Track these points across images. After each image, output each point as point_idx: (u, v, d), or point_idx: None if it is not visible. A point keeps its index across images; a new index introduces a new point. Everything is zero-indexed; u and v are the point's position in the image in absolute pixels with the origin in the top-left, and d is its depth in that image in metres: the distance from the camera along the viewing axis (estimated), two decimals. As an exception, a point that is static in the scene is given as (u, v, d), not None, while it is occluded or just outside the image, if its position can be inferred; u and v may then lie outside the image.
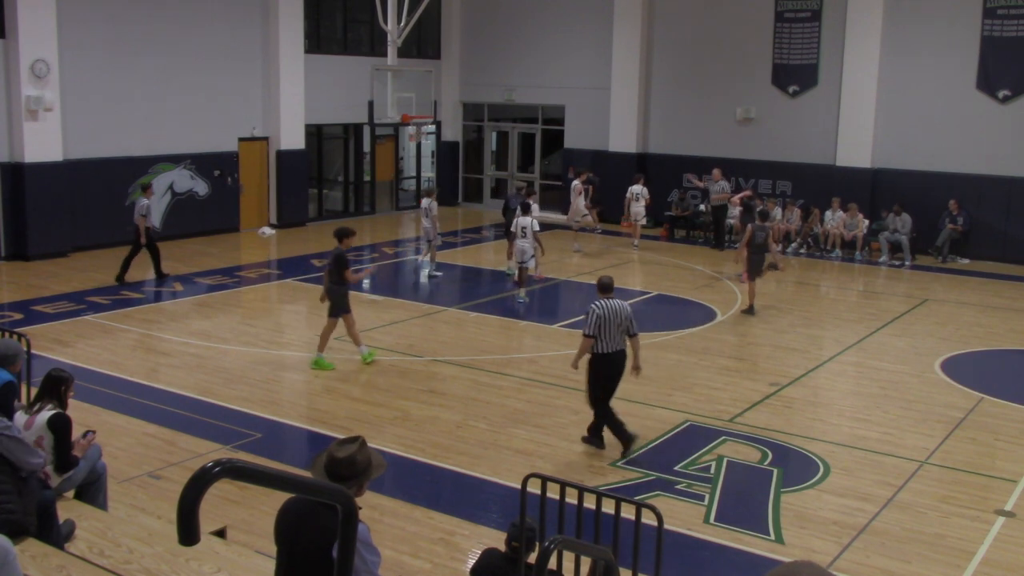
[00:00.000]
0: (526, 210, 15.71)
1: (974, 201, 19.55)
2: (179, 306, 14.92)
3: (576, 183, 19.78)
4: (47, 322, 13.41)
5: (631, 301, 15.72)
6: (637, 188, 20.52)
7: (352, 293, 15.90)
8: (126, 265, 16.00)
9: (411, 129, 25.43)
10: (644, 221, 20.82)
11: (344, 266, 11.29)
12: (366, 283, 16.74)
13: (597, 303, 9.02)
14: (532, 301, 15.99)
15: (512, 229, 15.82)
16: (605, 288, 9.18)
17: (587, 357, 9.14)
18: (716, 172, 20.91)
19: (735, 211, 20.89)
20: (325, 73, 22.54)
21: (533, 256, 15.38)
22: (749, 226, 14.89)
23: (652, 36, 23.25)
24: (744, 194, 19.51)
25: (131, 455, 8.76)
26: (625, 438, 9.10)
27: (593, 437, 9.30)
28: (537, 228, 15.37)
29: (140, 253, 16.06)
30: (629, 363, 9.19)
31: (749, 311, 14.57)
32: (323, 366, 11.54)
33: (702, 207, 21.99)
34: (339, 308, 11.43)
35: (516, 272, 15.66)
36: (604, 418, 9.20)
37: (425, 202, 17.47)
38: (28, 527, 5.50)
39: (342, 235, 11.46)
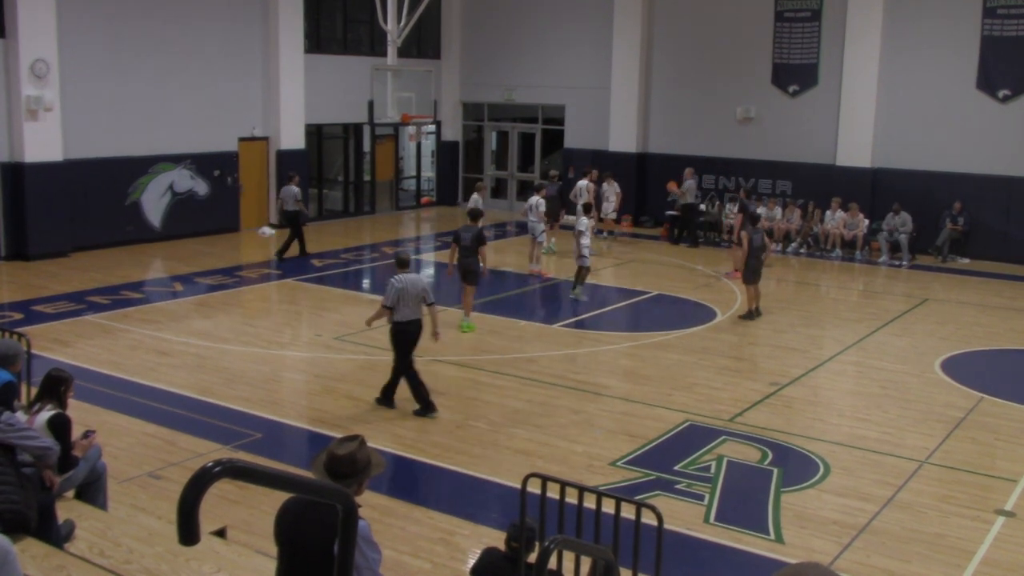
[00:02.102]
0: (587, 211, 15.94)
1: (974, 201, 19.55)
2: (179, 306, 14.92)
3: (586, 182, 19.74)
4: (47, 322, 13.40)
5: (631, 301, 15.77)
6: (606, 186, 20.78)
7: (352, 293, 15.93)
8: (295, 247, 18.32)
9: (411, 129, 25.44)
10: (614, 216, 21.22)
11: (483, 242, 13.34)
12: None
13: (396, 277, 9.93)
14: (531, 301, 16.00)
15: (576, 228, 15.78)
16: (403, 263, 10.18)
17: (389, 328, 10.07)
18: (688, 171, 21.19)
19: (733, 209, 20.97)
20: (325, 73, 22.53)
21: (583, 256, 15.19)
22: (744, 232, 14.74)
23: (652, 36, 23.25)
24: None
25: (131, 455, 8.76)
26: (424, 404, 10.05)
27: (384, 398, 10.21)
28: (583, 228, 15.24)
29: (290, 233, 18.42)
30: (429, 330, 10.19)
31: (748, 316, 14.33)
32: (470, 328, 13.32)
33: (703, 206, 22.02)
34: (474, 277, 13.37)
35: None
36: (408, 378, 10.07)
37: (473, 198, 17.75)
38: (30, 520, 5.51)
39: (478, 216, 13.88)
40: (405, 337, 9.98)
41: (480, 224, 13.73)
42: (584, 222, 15.38)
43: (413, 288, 9.87)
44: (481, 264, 13.43)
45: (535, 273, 17.38)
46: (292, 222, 18.55)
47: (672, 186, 21.35)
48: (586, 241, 15.17)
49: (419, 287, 9.93)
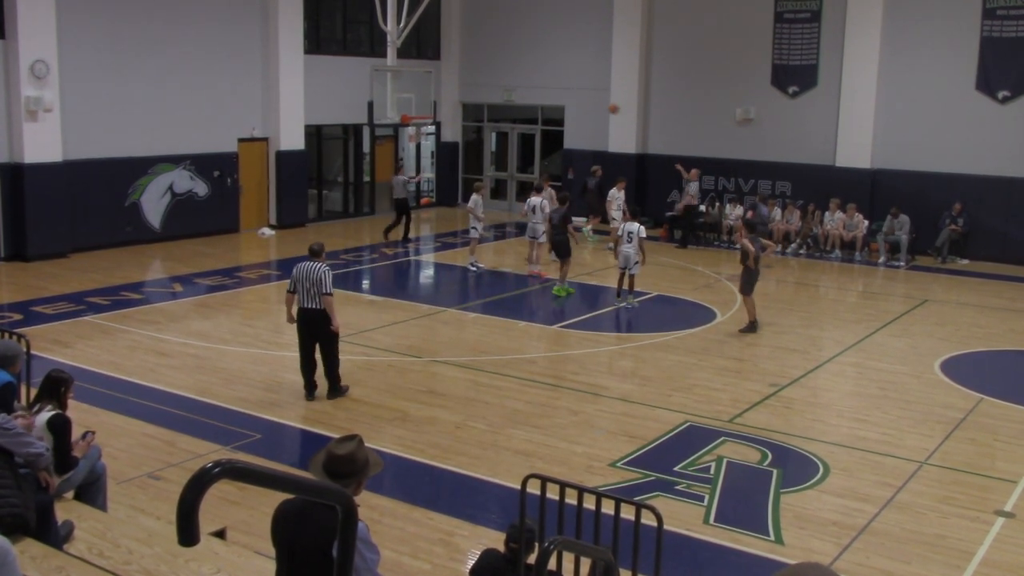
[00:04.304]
0: (634, 215, 15.78)
1: (973, 202, 19.54)
2: (178, 307, 14.92)
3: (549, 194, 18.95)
4: (47, 323, 13.40)
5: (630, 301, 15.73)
6: (616, 191, 19.95)
7: (352, 294, 15.95)
8: (407, 229, 20.85)
9: (411, 130, 25.43)
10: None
11: (569, 221, 15.90)
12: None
13: (299, 264, 10.39)
14: (531, 302, 15.98)
15: (619, 233, 15.48)
16: (311, 252, 10.50)
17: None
18: (694, 172, 21.04)
19: (735, 212, 20.95)
20: (325, 74, 22.53)
21: (638, 263, 15.02)
22: (745, 240, 13.94)
23: (652, 36, 23.25)
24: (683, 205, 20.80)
25: (131, 456, 8.76)
26: (310, 390, 10.51)
27: (335, 392, 10.51)
28: (644, 235, 15.12)
29: (396, 217, 20.98)
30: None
31: (750, 328, 13.73)
32: (567, 291, 15.73)
33: (702, 207, 22.00)
34: (565, 251, 15.63)
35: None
36: (303, 368, 10.53)
37: (473, 199, 17.80)
38: (30, 522, 5.51)
39: (566, 199, 16.66)
40: (302, 320, 10.32)
41: (566, 206, 16.13)
42: (641, 228, 15.09)
43: (307, 277, 10.15)
44: (571, 238, 15.73)
45: (534, 274, 17.36)
46: (400, 208, 20.66)
47: (679, 167, 21.01)
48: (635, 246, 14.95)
49: (314, 276, 10.14)
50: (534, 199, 17.58)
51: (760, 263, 13.93)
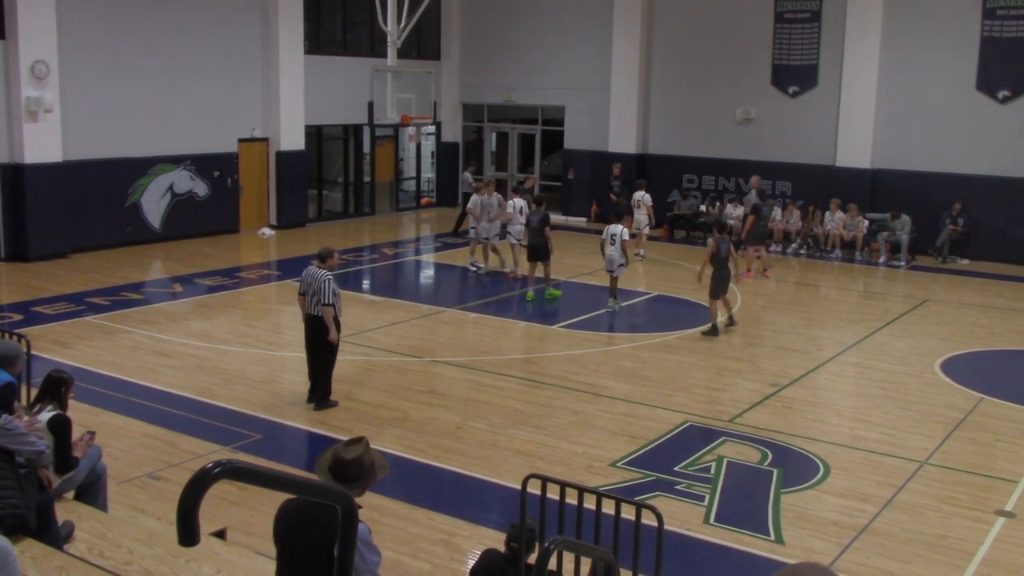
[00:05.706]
0: (619, 217, 15.39)
1: (974, 202, 19.54)
2: (179, 307, 14.92)
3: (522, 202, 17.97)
4: (47, 323, 13.40)
5: (630, 302, 15.74)
6: (639, 194, 19.77)
7: (353, 295, 15.94)
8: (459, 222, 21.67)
9: (411, 130, 25.37)
10: (647, 230, 19.67)
11: (548, 223, 15.66)
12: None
13: (307, 268, 10.12)
14: (531, 302, 15.97)
15: (603, 236, 15.10)
16: (319, 257, 10.14)
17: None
18: (754, 179, 20.25)
19: (737, 211, 20.88)
20: (325, 74, 22.53)
21: (622, 265, 14.78)
22: (711, 239, 13.82)
23: (652, 37, 23.25)
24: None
25: (131, 456, 8.75)
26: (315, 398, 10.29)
27: (322, 403, 10.24)
28: (626, 237, 14.86)
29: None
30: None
31: (712, 331, 13.44)
32: (553, 295, 15.69)
33: (702, 208, 21.98)
34: (544, 254, 15.50)
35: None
36: (310, 373, 10.32)
37: (472, 199, 17.83)
38: (31, 523, 5.51)
39: (542, 200, 16.41)
40: (308, 328, 10.08)
41: (544, 208, 15.87)
42: (624, 230, 14.79)
43: (310, 284, 9.91)
44: (548, 243, 15.41)
45: (517, 277, 17.09)
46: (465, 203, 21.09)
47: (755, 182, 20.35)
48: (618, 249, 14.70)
49: (315, 285, 9.84)
50: (518, 200, 17.22)
51: (726, 263, 13.59)
